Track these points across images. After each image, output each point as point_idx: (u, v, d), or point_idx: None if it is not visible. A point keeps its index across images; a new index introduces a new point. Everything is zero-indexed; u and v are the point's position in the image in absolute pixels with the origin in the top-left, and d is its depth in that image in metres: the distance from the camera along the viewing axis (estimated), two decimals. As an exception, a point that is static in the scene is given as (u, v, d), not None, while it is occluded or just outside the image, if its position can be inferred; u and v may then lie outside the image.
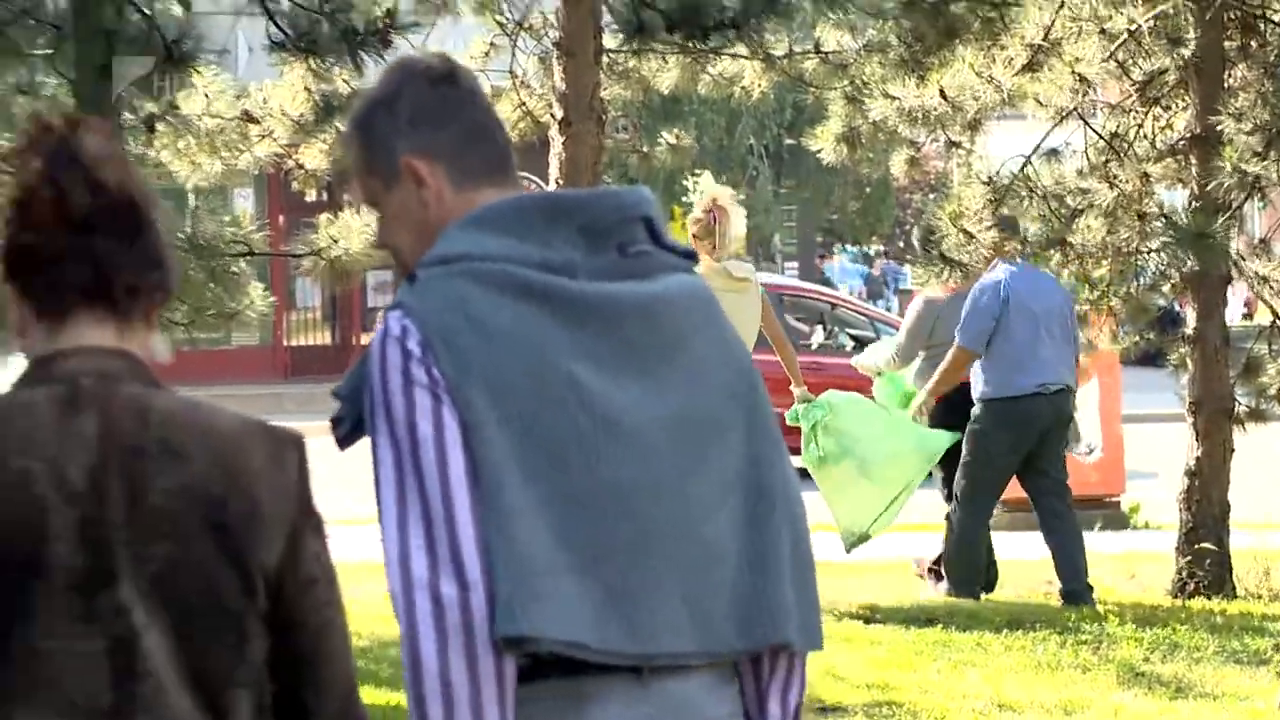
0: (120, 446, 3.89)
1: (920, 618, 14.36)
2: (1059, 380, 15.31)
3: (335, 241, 14.34)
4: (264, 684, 3.97)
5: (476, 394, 4.46)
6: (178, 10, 12.60)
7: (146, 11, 11.78)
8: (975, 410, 15.15)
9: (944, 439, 15.05)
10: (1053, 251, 15.82)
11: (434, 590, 4.42)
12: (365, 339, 38.47)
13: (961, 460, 15.15)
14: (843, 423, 15.34)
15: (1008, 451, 15.21)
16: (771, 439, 4.78)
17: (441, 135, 4.77)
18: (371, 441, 4.55)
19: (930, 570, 15.73)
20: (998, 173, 16.16)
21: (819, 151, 17.27)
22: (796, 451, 13.55)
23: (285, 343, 38.46)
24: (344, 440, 4.94)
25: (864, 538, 15.23)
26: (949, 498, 15.45)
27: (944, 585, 15.35)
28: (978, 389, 15.17)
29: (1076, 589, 15.15)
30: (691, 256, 4.89)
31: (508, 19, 14.73)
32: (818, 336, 26.80)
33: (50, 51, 12.78)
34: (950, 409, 15.13)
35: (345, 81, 14.31)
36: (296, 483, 4.03)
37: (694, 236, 14.63)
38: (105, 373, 3.92)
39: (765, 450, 4.74)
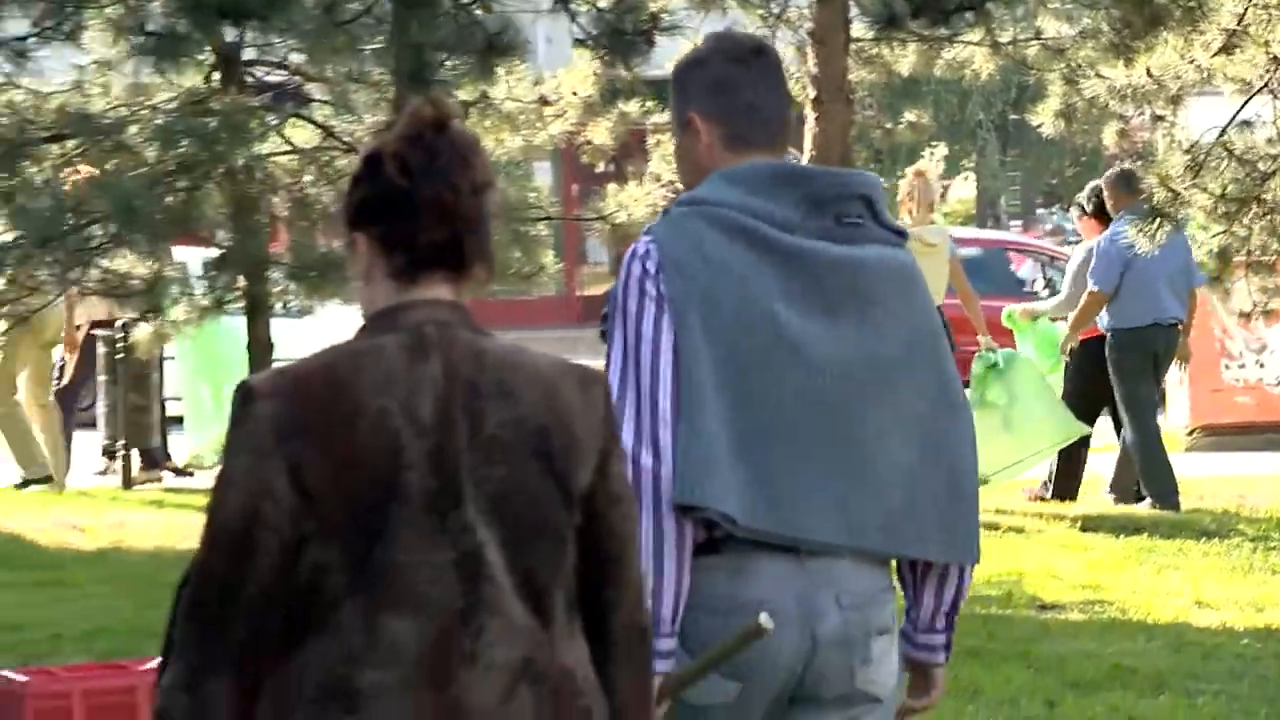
0: (461, 386, 3.95)
1: (1129, 527, 14.15)
2: (1173, 315, 15.48)
3: (620, 208, 14.49)
4: (573, 585, 4.02)
5: (692, 312, 4.79)
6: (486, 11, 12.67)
7: (478, 14, 11.89)
8: (1108, 341, 15.39)
9: (1082, 428, 15.27)
10: (1249, 208, 15.71)
11: (635, 457, 4.77)
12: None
13: (1115, 394, 15.39)
14: (1011, 379, 15.43)
15: (1140, 371, 15.43)
16: (950, 388, 5.06)
17: (722, 103, 5.00)
18: (609, 335, 4.95)
19: (1037, 497, 15.69)
20: (1196, 142, 16.04)
21: (1039, 125, 17.23)
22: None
23: (577, 293, 38.31)
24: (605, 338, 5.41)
25: (983, 480, 15.25)
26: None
27: (1146, 503, 15.26)
28: (1105, 322, 15.46)
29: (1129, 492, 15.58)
30: (903, 235, 5.13)
31: (768, 13, 14.73)
32: (1039, 282, 26.61)
33: (376, 45, 12.78)
34: (1089, 355, 15.52)
35: (627, 70, 14.32)
36: (603, 415, 4.09)
37: (900, 203, 15.19)
38: (444, 322, 3.97)
39: (943, 396, 5.02)
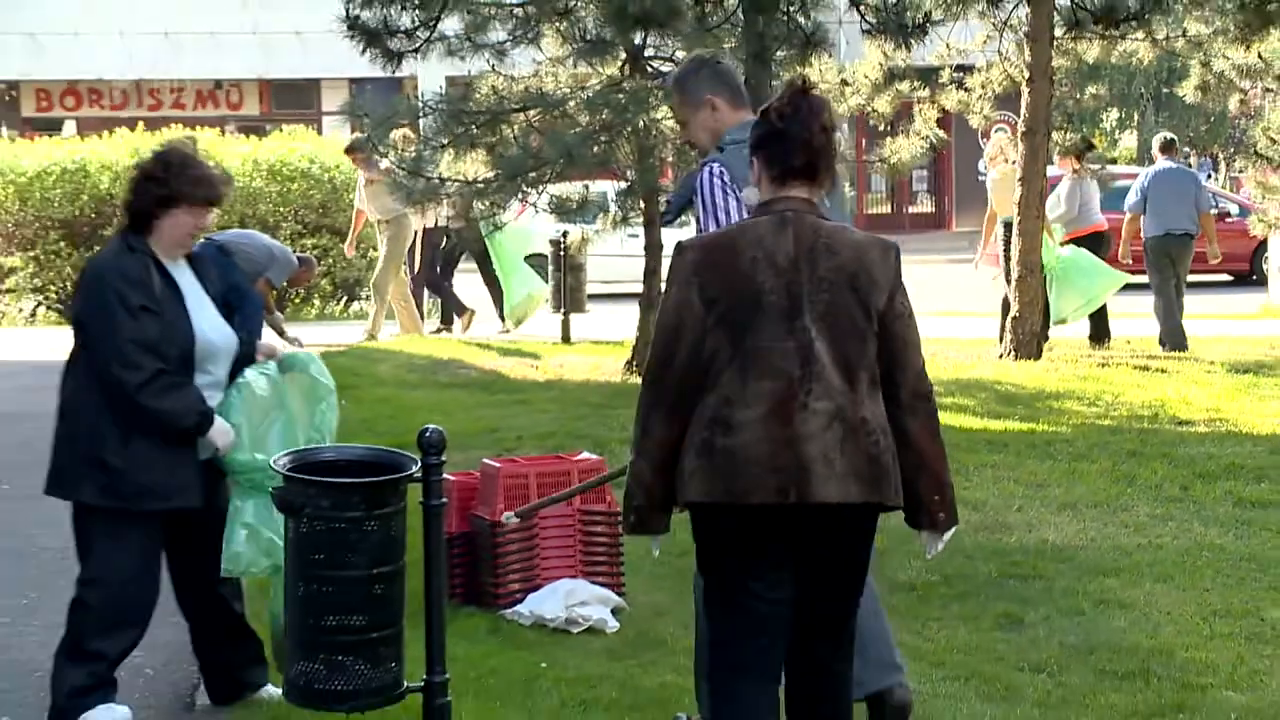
0: (805, 246, 4.44)
1: (1240, 368, 13.90)
2: (1182, 228, 15.54)
3: (893, 154, 14.70)
4: (874, 367, 4.44)
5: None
6: (806, 18, 12.62)
7: (800, 19, 11.97)
8: (1144, 245, 15.60)
9: (1123, 278, 15.50)
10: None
11: None
12: (911, 208, 38.76)
13: (1150, 278, 15.63)
14: (1071, 264, 15.46)
15: (1161, 264, 15.55)
16: None
17: (721, 87, 5.45)
18: (701, 219, 5.24)
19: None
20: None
21: (1184, 95, 17.24)
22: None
23: (865, 211, 36.89)
24: (667, 224, 6.17)
25: (1061, 320, 15.55)
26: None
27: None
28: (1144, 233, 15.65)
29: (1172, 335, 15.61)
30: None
31: (998, 20, 14.84)
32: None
33: (732, 43, 12.60)
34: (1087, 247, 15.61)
35: (900, 60, 14.39)
36: (894, 267, 4.51)
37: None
38: (798, 210, 4.51)
39: None
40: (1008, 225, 15.26)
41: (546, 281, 17.51)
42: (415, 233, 17.10)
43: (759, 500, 4.30)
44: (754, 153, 4.53)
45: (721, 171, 5.26)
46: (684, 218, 6.02)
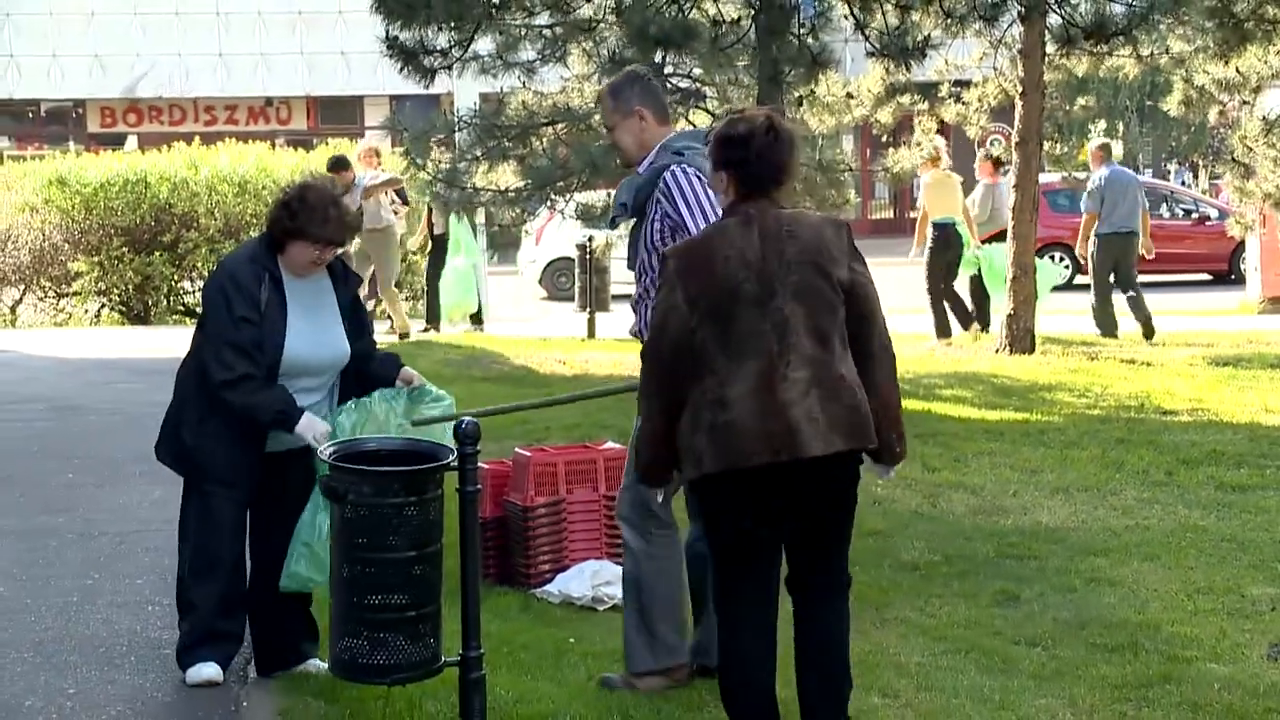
0: (770, 236, 4.70)
1: (1220, 362, 13.91)
2: (1129, 226, 15.84)
3: (895, 163, 14.60)
4: (844, 331, 4.70)
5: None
6: (814, 39, 12.65)
7: (809, 41, 11.93)
8: (1095, 241, 15.87)
9: (1055, 279, 16.25)
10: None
11: None
12: (911, 214, 38.42)
13: (1093, 272, 16.01)
14: (994, 263, 15.77)
15: (1107, 259, 15.87)
16: None
17: (651, 101, 5.60)
18: (685, 213, 5.39)
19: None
20: (1265, 116, 16.02)
21: (1167, 108, 17.18)
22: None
23: (869, 216, 36.90)
24: (614, 226, 6.17)
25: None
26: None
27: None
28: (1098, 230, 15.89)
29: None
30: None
31: (993, 38, 14.77)
32: (1164, 209, 26.27)
33: (745, 62, 12.68)
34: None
35: (901, 76, 14.28)
36: (848, 241, 4.77)
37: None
38: (762, 208, 4.75)
39: None
40: (938, 226, 15.53)
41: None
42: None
43: (758, 462, 4.57)
44: (726, 168, 4.76)
45: (696, 172, 5.41)
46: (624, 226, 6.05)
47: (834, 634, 4.81)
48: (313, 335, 5.70)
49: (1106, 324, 16.00)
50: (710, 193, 5.31)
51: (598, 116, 12.86)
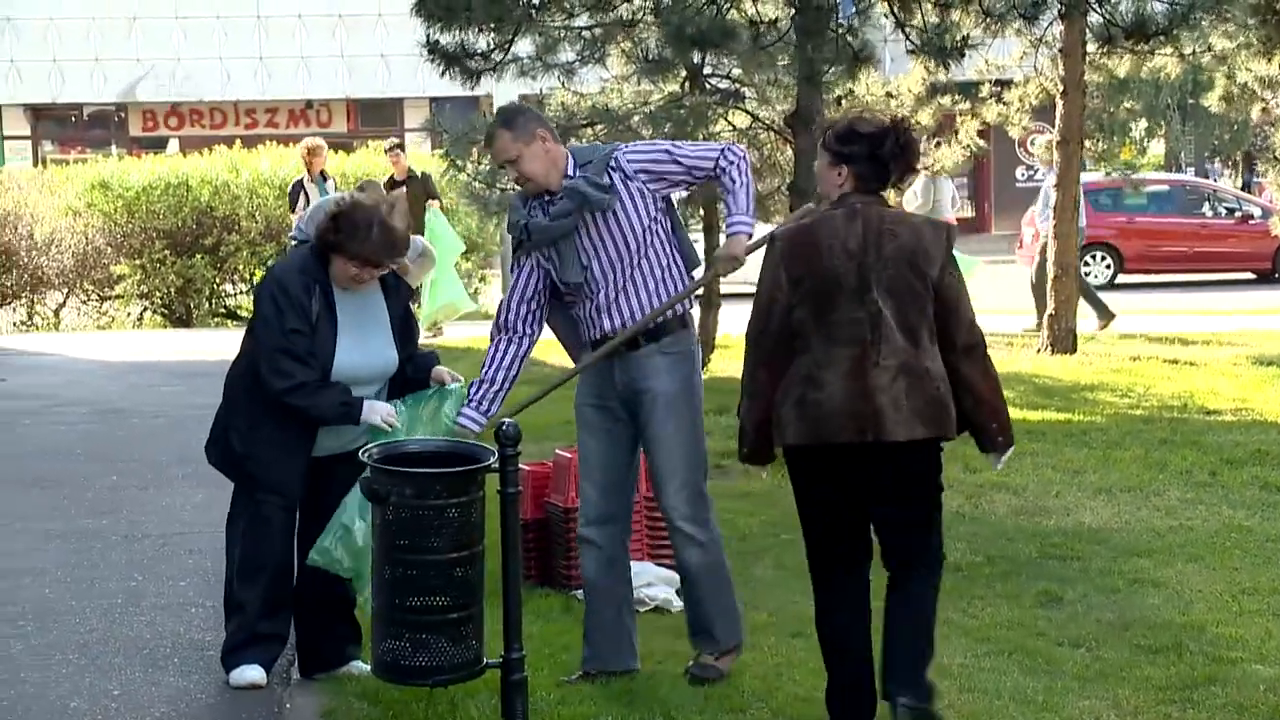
0: (872, 231, 4.97)
1: (1264, 361, 13.83)
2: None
3: (936, 162, 14.60)
4: (933, 326, 4.98)
5: None
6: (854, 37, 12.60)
7: (847, 38, 11.89)
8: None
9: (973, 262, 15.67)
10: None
11: None
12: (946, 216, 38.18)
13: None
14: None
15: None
16: None
17: (542, 122, 5.64)
18: (671, 151, 5.60)
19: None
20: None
21: (1209, 105, 17.05)
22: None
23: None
24: (607, 206, 5.84)
25: None
26: None
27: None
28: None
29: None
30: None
31: (1034, 37, 14.71)
32: (1207, 208, 26.14)
33: (784, 62, 12.42)
34: None
35: (941, 76, 14.24)
36: (945, 244, 5.02)
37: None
38: (867, 203, 5.02)
39: None
40: None
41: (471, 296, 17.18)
42: None
43: (843, 440, 4.89)
44: (848, 162, 5.02)
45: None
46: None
47: (914, 602, 5.04)
48: (361, 347, 5.72)
49: (1099, 306, 16.14)
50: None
51: (637, 117, 12.93)
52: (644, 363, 5.65)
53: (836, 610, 5.10)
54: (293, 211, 16.61)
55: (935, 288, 4.95)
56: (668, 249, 5.69)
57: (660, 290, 5.68)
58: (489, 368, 5.73)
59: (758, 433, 5.06)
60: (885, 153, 5.03)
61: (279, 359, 5.60)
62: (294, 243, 6.13)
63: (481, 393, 5.71)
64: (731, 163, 5.57)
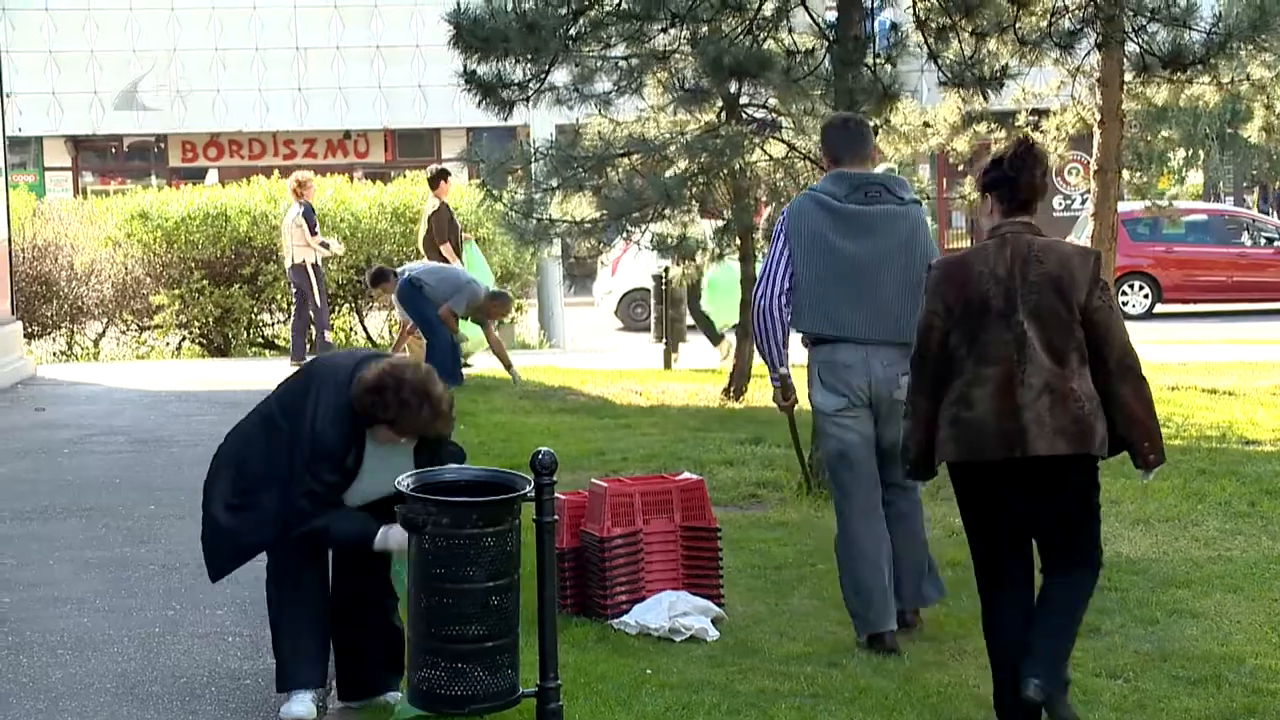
0: (1019, 259, 5.26)
1: None
2: None
3: (972, 191, 14.49)
4: (1083, 348, 5.22)
5: (795, 234, 6.63)
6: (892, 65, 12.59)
7: (885, 69, 11.87)
8: None
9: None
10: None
11: (760, 296, 6.60)
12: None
13: None
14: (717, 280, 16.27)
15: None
16: (909, 270, 6.42)
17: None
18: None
19: None
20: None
21: (1248, 136, 16.97)
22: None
23: (945, 244, 36.37)
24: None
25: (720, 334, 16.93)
26: None
27: None
28: None
29: None
30: (908, 199, 6.63)
31: (1071, 66, 14.64)
32: (1245, 237, 26.01)
33: (820, 92, 12.56)
34: None
35: (977, 105, 14.27)
36: (1093, 270, 5.27)
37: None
38: (1017, 232, 5.31)
39: (905, 273, 6.45)
40: None
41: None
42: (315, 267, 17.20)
43: (992, 457, 5.18)
44: (989, 190, 5.36)
45: (785, 212, 6.79)
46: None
47: (1064, 600, 5.35)
48: (382, 476, 5.51)
49: (709, 330, 16.94)
50: None
51: (673, 147, 12.98)
52: None
53: (1000, 620, 5.37)
54: (313, 234, 17.02)
55: (1083, 311, 5.20)
56: None
57: None
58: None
59: (920, 452, 5.40)
60: (1009, 172, 5.30)
61: (302, 500, 5.46)
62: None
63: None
64: None
